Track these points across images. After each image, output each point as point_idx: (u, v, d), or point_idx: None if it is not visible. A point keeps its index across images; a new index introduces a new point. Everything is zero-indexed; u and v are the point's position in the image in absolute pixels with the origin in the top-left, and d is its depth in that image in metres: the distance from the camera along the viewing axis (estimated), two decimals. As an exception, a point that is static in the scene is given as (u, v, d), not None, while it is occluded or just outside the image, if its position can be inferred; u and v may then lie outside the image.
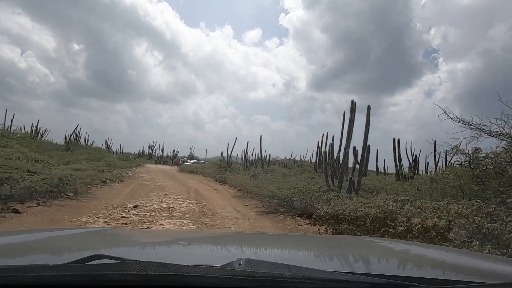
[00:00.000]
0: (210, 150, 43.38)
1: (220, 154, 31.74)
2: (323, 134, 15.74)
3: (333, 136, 11.91)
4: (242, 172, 19.98)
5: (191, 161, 34.77)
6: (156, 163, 40.02)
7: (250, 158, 24.04)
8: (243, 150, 30.09)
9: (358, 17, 64.18)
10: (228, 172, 21.16)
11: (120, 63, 74.46)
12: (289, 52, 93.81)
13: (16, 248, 0.97)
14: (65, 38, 68.01)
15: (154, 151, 45.92)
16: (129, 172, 17.07)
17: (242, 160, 28.67)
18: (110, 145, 36.70)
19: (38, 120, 27.69)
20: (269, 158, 28.03)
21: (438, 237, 3.42)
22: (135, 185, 10.72)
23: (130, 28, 72.90)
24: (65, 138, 21.03)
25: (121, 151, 37.35)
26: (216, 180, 16.31)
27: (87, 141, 28.19)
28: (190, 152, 46.05)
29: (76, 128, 23.54)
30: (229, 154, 24.20)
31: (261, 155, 18.46)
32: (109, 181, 10.87)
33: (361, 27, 67.10)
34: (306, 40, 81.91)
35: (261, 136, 18.68)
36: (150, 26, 73.29)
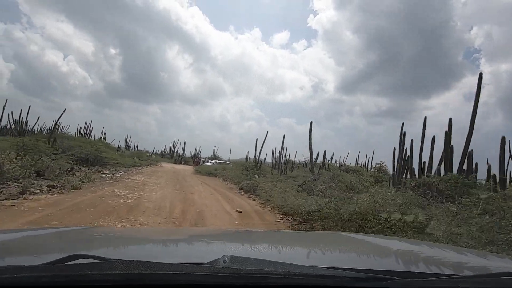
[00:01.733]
0: (234, 151, 39.55)
1: (245, 155, 29.05)
2: (401, 137, 9.59)
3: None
4: (276, 177, 14.57)
5: (212, 162, 30.10)
6: (175, 163, 36.55)
7: (284, 159, 18.50)
8: (274, 149, 24.93)
9: (392, 17, 56.56)
10: (256, 176, 15.90)
11: (153, 66, 76.09)
12: (317, 54, 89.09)
13: None
14: (102, 43, 71.96)
15: (175, 150, 42.47)
16: (120, 173, 12.42)
17: (272, 161, 23.53)
18: (129, 143, 34.29)
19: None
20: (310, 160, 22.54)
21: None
22: (77, 202, 5.47)
23: (163, 32, 74.56)
24: (50, 128, 17.01)
25: (136, 148, 33.84)
26: (240, 189, 11.02)
27: (104, 137, 26.15)
28: (214, 152, 41.86)
29: (87, 123, 22.46)
30: (257, 153, 18.87)
31: (311, 155, 12.69)
32: (46, 189, 6.06)
33: (395, 27, 59.73)
34: (336, 41, 76.12)
35: (310, 129, 13.02)
36: (182, 30, 74.08)
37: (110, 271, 0.54)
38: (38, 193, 5.73)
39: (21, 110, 16.95)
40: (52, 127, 15.10)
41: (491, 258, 1.26)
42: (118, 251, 1.06)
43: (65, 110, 15.00)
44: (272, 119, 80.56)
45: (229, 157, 37.81)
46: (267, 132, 19.02)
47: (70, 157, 10.69)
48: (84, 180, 7.85)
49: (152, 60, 77.07)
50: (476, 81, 7.23)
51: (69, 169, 9.09)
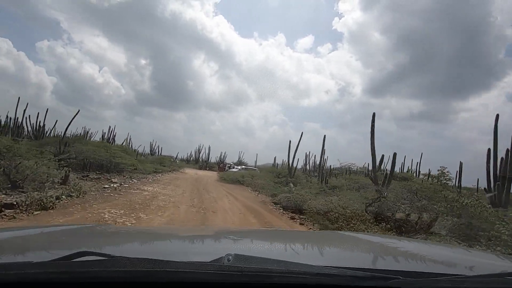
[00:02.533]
0: (259, 157, 37.53)
1: (271, 161, 27.47)
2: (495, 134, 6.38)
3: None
4: (315, 186, 11.83)
5: (238, 167, 27.82)
6: (200, 168, 35.11)
7: (323, 165, 15.63)
8: (307, 153, 22.02)
9: (423, 15, 51.25)
10: (291, 185, 13.26)
11: (180, 74, 79.53)
12: (343, 57, 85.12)
13: (0, 245, 0.94)
14: (134, 54, 77.68)
15: (200, 155, 41.14)
16: (132, 181, 10.48)
17: (306, 167, 20.69)
18: (155, 148, 33.37)
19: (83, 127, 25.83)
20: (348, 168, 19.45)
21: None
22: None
23: (189, 41, 77.77)
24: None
25: (160, 153, 32.69)
26: (276, 203, 8.48)
27: (129, 142, 25.53)
28: (239, 157, 39.83)
29: (111, 128, 22.62)
30: (290, 158, 16.22)
31: (374, 160, 9.64)
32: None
33: (427, 25, 54.11)
34: (363, 43, 71.85)
35: (372, 127, 10.18)
36: (207, 38, 76.54)
37: (116, 269, 0.55)
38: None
39: (38, 113, 16.15)
40: (64, 130, 13.75)
41: (495, 257, 1.23)
42: (123, 249, 1.06)
43: (78, 111, 13.64)
44: (296, 124, 78.31)
45: (256, 162, 35.58)
46: (302, 133, 16.30)
47: (77, 161, 8.87)
48: (72, 194, 5.82)
49: (179, 69, 79.98)
50: None
51: (62, 177, 7.20)
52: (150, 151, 33.14)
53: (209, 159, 39.76)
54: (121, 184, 8.98)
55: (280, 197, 8.03)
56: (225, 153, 40.04)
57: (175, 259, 0.60)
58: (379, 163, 9.18)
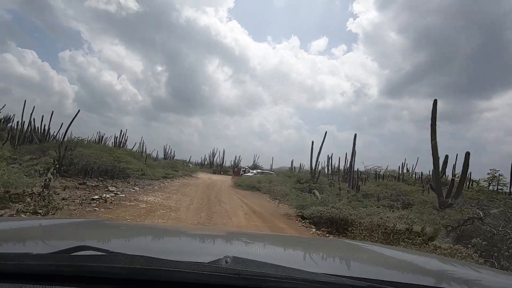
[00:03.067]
0: (274, 160, 35.98)
1: (286, 164, 27.04)
2: None
3: None
4: (345, 193, 9.98)
5: (254, 171, 26.16)
6: (214, 172, 33.89)
7: (351, 169, 13.67)
8: (329, 155, 19.97)
9: (442, 13, 47.83)
10: (316, 192, 11.44)
11: (195, 80, 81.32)
12: (358, 58, 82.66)
13: (0, 235, 0.94)
14: (150, 61, 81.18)
15: (215, 159, 39.89)
16: (134, 189, 9.10)
17: (323, 171, 18.72)
18: (169, 152, 32.77)
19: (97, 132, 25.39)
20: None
21: None
22: None
23: (204, 47, 79.84)
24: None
25: (172, 157, 31.68)
26: (302, 217, 6.70)
27: (142, 146, 25.77)
28: (254, 161, 38.24)
29: (122, 132, 22.14)
30: (313, 161, 14.38)
31: (437, 164, 7.48)
32: None
33: (447, 23, 50.47)
34: (379, 44, 69.13)
35: (433, 121, 8.01)
36: (221, 44, 77.96)
37: (113, 265, 0.55)
38: None
39: (43, 116, 15.60)
40: (64, 132, 12.71)
41: (499, 275, 1.14)
42: (122, 245, 1.06)
43: (79, 111, 12.51)
44: (311, 127, 76.67)
45: (271, 166, 33.78)
46: (325, 133, 14.46)
47: (77, 166, 7.63)
48: (39, 211, 4.39)
49: (194, 75, 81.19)
50: None
51: (42, 186, 5.85)
52: (164, 155, 32.25)
53: (224, 163, 38.47)
54: (116, 194, 7.55)
55: (313, 212, 6.21)
56: (239, 157, 38.59)
57: (173, 258, 0.59)
58: (442, 166, 7.16)
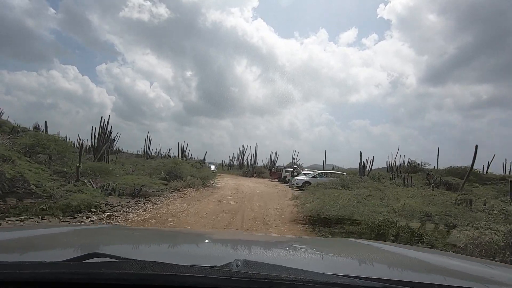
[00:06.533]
0: (306, 158, 29.58)
1: (321, 162, 24.81)
2: None
3: None
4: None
5: (311, 174, 17.65)
6: (245, 175, 26.57)
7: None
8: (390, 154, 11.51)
9: None
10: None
11: (224, 82, 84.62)
12: (393, 46, 74.39)
13: (14, 244, 0.98)
14: (180, 67, 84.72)
15: (245, 158, 32.70)
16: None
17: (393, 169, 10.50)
18: (186, 152, 25.07)
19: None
20: None
21: None
22: None
23: (231, 48, 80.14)
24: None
25: (189, 157, 24.43)
26: None
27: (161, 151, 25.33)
28: (293, 159, 30.26)
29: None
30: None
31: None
32: None
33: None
34: (415, 28, 60.39)
35: None
36: (248, 44, 76.73)
37: (126, 271, 0.56)
38: None
39: (93, 127, 13.96)
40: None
41: None
42: (133, 251, 1.08)
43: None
44: (343, 122, 70.42)
45: (334, 166, 25.33)
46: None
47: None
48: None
49: (223, 77, 79.25)
50: None
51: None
52: (182, 154, 24.93)
53: (256, 162, 31.01)
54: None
55: None
56: (276, 153, 30.98)
57: (184, 263, 0.60)
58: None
